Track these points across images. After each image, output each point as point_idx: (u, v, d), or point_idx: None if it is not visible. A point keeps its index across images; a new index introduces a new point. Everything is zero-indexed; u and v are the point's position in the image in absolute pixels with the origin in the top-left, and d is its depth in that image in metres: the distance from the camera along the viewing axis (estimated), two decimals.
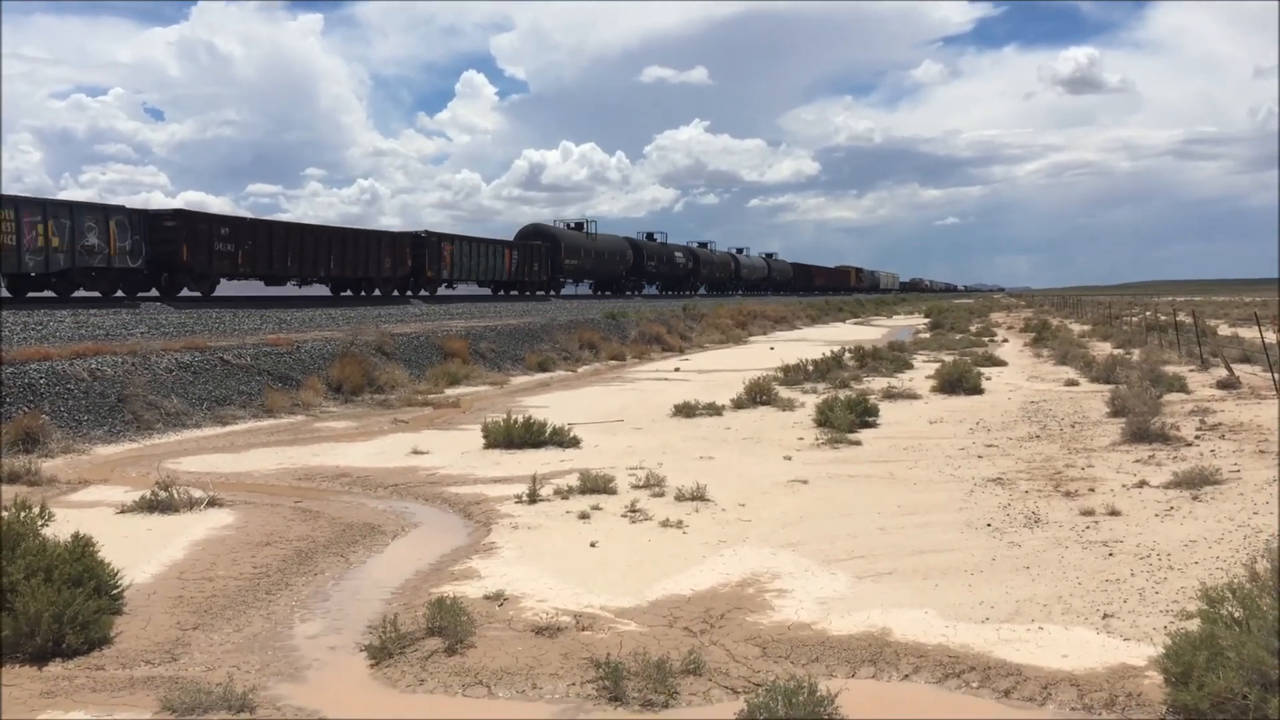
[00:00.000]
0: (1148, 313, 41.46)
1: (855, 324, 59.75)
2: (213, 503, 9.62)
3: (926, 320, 56.86)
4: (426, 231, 39.32)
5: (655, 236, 66.68)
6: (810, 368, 21.64)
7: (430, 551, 8.21)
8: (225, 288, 30.42)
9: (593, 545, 8.10)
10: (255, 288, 31.65)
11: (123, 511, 9.33)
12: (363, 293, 36.32)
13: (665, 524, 8.65)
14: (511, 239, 49.71)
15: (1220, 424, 13.30)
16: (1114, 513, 8.62)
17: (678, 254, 67.66)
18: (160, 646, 5.95)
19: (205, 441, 14.07)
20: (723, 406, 16.43)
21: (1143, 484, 9.76)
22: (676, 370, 26.07)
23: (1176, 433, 12.39)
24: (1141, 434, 12.18)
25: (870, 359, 24.43)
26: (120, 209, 25.94)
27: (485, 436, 13.14)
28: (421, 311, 31.80)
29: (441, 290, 41.01)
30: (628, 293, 60.67)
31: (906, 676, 5.45)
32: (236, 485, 10.90)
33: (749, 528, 8.60)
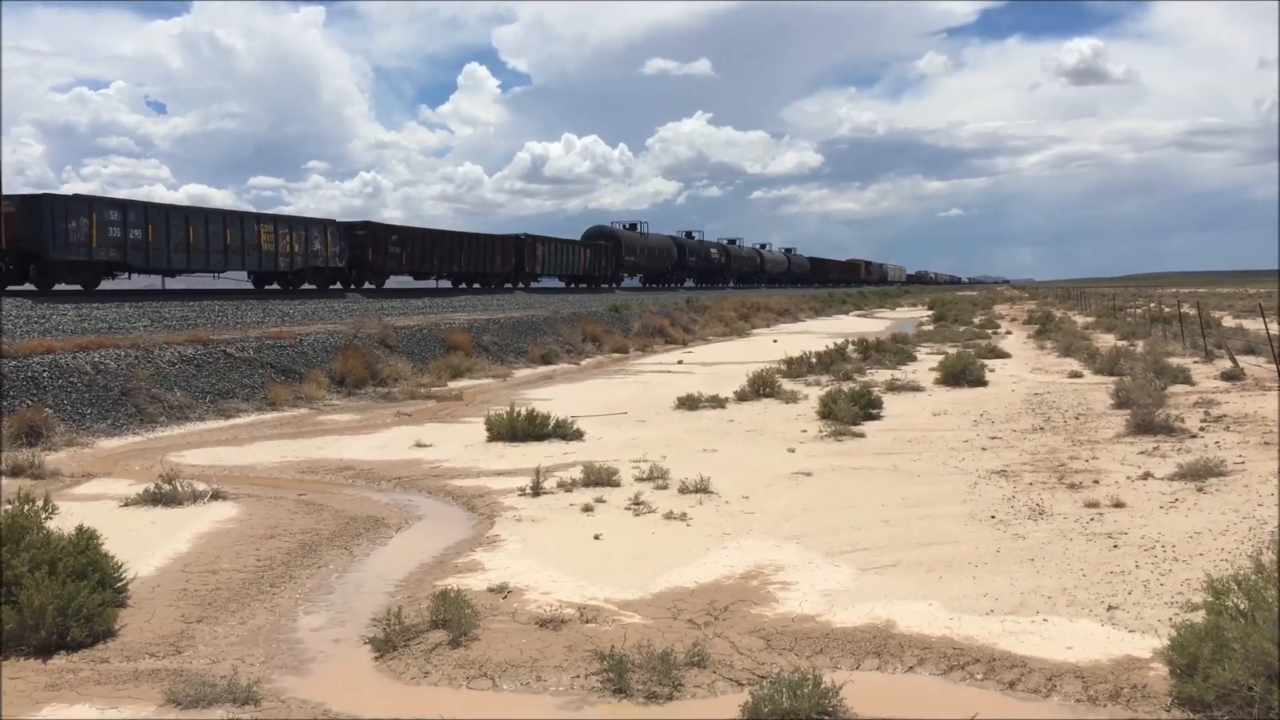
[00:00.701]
0: (1152, 304, 41.35)
1: (859, 316, 59.73)
2: (216, 496, 9.63)
3: (930, 313, 56.79)
4: (526, 235, 45.76)
5: (693, 234, 72.06)
6: (813, 360, 21.62)
7: (434, 544, 8.21)
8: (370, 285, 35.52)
9: (596, 538, 8.10)
10: (404, 282, 38.55)
11: (126, 504, 9.33)
12: (476, 285, 41.76)
13: (669, 516, 8.64)
14: (579, 239, 55.42)
15: (1224, 416, 13.28)
16: (1118, 505, 8.61)
17: (713, 250, 73.70)
18: (164, 639, 5.96)
19: (208, 434, 14.08)
20: (726, 399, 16.43)
21: (1147, 476, 9.75)
22: (680, 363, 26.06)
23: (1181, 424, 12.37)
24: (1146, 426, 12.16)
25: (873, 351, 24.40)
26: (332, 222, 33.05)
27: (488, 429, 13.14)
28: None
29: (533, 284, 46.55)
30: (671, 285, 65.89)
31: (911, 668, 5.44)
32: (240, 478, 10.91)
33: (752, 520, 8.59)
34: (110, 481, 10.69)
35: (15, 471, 10.62)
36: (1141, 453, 11.03)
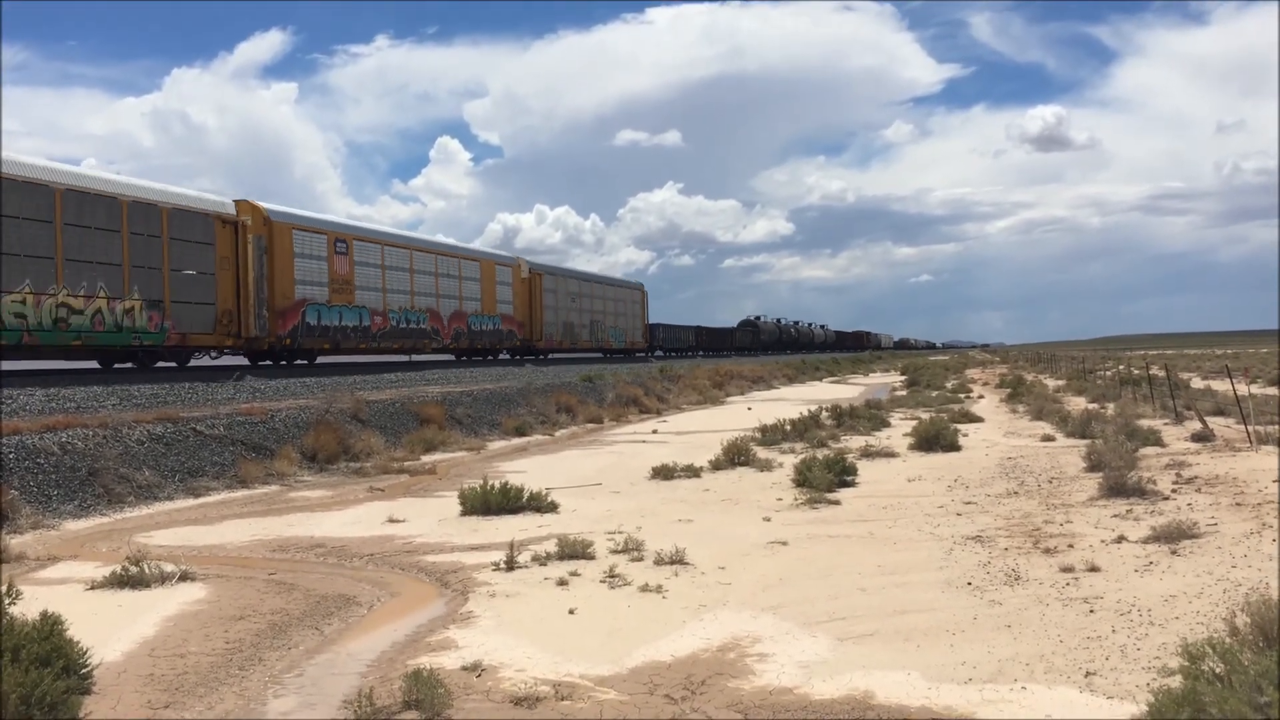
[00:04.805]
0: (1121, 366, 41.80)
1: (832, 383, 59.97)
2: (185, 577, 9.46)
3: (903, 378, 57.13)
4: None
5: (782, 320, 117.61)
6: (788, 427, 21.66)
7: (407, 622, 8.09)
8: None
9: (571, 612, 8.00)
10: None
11: (92, 588, 9.16)
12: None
13: (644, 589, 8.57)
14: (736, 326, 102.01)
15: (1196, 477, 13.38)
16: (1093, 569, 8.62)
17: (792, 329, 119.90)
18: None
19: (177, 514, 13.88)
20: (701, 468, 16.40)
21: (1121, 539, 9.78)
22: (654, 432, 26.02)
23: (1153, 486, 12.45)
24: (1118, 488, 12.23)
25: (847, 418, 24.49)
26: (662, 325, 70.26)
27: (462, 503, 13.03)
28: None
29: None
30: (773, 352, 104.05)
31: None
32: (209, 558, 10.74)
33: (729, 591, 8.53)
34: (76, 564, 10.50)
35: None
36: (1115, 515, 11.08)
